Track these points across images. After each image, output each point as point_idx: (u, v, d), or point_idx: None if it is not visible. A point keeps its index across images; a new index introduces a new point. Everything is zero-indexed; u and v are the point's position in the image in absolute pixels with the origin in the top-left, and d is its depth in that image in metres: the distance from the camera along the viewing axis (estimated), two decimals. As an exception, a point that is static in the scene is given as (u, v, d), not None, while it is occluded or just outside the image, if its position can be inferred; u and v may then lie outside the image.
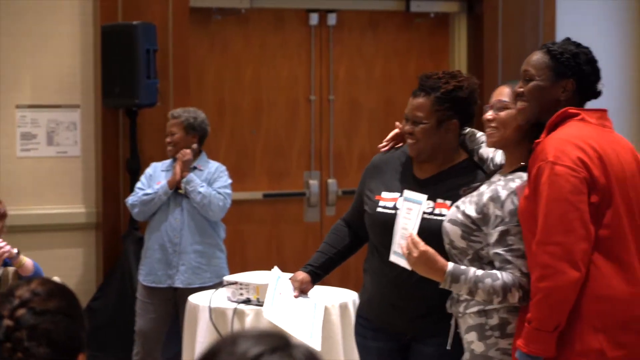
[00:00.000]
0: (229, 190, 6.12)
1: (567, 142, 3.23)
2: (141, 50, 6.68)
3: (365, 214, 3.91)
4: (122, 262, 6.65)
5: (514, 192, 3.39)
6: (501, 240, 3.36)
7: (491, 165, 3.71)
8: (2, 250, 4.67)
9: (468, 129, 3.85)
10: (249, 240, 7.61)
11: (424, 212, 3.61)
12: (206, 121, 6.21)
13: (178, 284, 6.05)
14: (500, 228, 3.37)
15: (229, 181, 6.18)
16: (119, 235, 6.87)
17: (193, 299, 5.06)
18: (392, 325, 3.84)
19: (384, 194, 3.86)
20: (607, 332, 3.21)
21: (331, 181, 7.80)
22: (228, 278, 4.92)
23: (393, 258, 3.60)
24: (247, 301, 4.79)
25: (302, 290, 4.07)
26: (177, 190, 6.05)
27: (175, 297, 6.10)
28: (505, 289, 3.32)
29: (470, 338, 3.47)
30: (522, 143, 3.46)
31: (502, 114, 3.46)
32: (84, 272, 7.03)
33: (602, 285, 3.21)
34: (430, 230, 3.59)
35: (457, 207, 3.51)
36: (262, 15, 7.65)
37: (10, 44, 6.89)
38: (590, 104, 3.41)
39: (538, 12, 7.84)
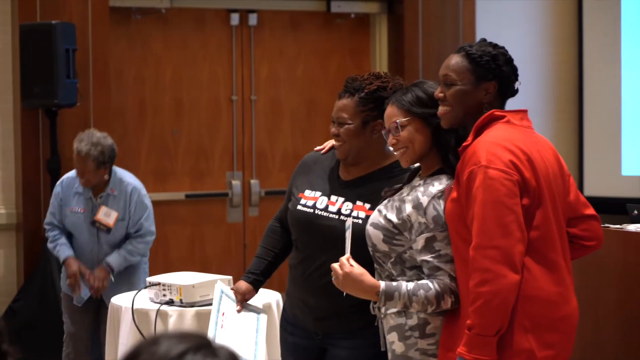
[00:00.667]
0: (152, 228, 5.95)
1: (497, 146, 3.24)
2: (60, 50, 6.62)
3: (288, 211, 3.92)
4: (44, 263, 6.58)
5: (434, 197, 3.39)
6: (428, 246, 3.37)
7: None
8: None
9: None
10: (172, 241, 7.57)
11: (342, 214, 3.65)
12: (114, 145, 5.86)
13: (107, 260, 5.92)
14: (425, 235, 3.37)
15: (150, 207, 5.99)
16: (39, 235, 6.79)
17: (116, 300, 5.02)
18: (303, 322, 3.86)
19: (307, 192, 3.86)
20: (536, 332, 3.23)
21: (254, 181, 7.80)
22: (151, 279, 4.89)
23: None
24: (170, 302, 4.76)
25: (246, 300, 4.05)
26: (93, 224, 5.92)
27: (100, 300, 6.04)
28: (439, 297, 3.33)
29: (391, 339, 3.48)
30: (433, 149, 3.48)
31: (403, 133, 3.47)
32: (4, 274, 6.94)
33: (532, 286, 3.23)
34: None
35: (380, 211, 3.51)
36: (182, 15, 7.62)
37: None
38: (511, 104, 3.45)
39: (458, 12, 7.92)
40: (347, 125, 3.74)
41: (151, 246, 5.95)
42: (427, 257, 3.36)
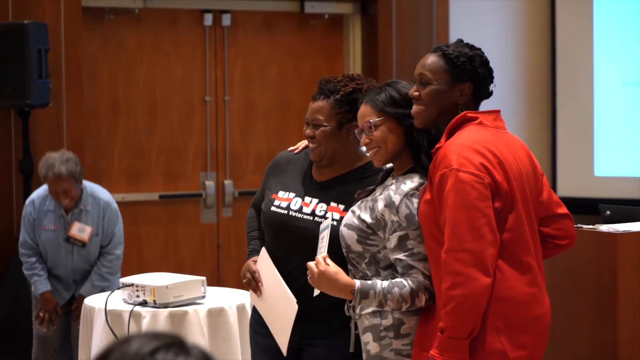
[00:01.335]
0: (122, 239, 6.01)
1: (468, 148, 3.24)
2: (32, 50, 6.58)
3: (261, 212, 3.91)
4: (15, 265, 6.54)
5: (406, 195, 3.39)
6: (401, 245, 3.37)
7: None
8: None
9: None
10: (145, 242, 7.55)
11: (316, 215, 3.65)
12: (77, 159, 5.89)
13: (80, 292, 5.94)
14: (398, 233, 3.37)
15: (121, 219, 6.05)
16: (12, 236, 6.76)
17: (89, 301, 5.00)
18: None
19: (280, 193, 3.86)
20: (508, 333, 3.24)
21: (227, 182, 7.79)
22: (124, 280, 4.88)
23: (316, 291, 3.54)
24: (144, 303, 4.75)
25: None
26: (68, 240, 5.90)
27: (72, 302, 6.03)
28: (413, 294, 3.34)
29: (366, 339, 3.48)
30: (405, 149, 3.48)
31: (376, 132, 3.47)
32: (-25, 276, 6.89)
33: (505, 287, 3.24)
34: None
35: (353, 212, 3.51)
36: (155, 15, 7.60)
37: None
38: (485, 104, 3.45)
39: (431, 13, 7.94)
40: (322, 127, 3.74)
41: (122, 260, 5.99)
42: (400, 256, 3.37)
